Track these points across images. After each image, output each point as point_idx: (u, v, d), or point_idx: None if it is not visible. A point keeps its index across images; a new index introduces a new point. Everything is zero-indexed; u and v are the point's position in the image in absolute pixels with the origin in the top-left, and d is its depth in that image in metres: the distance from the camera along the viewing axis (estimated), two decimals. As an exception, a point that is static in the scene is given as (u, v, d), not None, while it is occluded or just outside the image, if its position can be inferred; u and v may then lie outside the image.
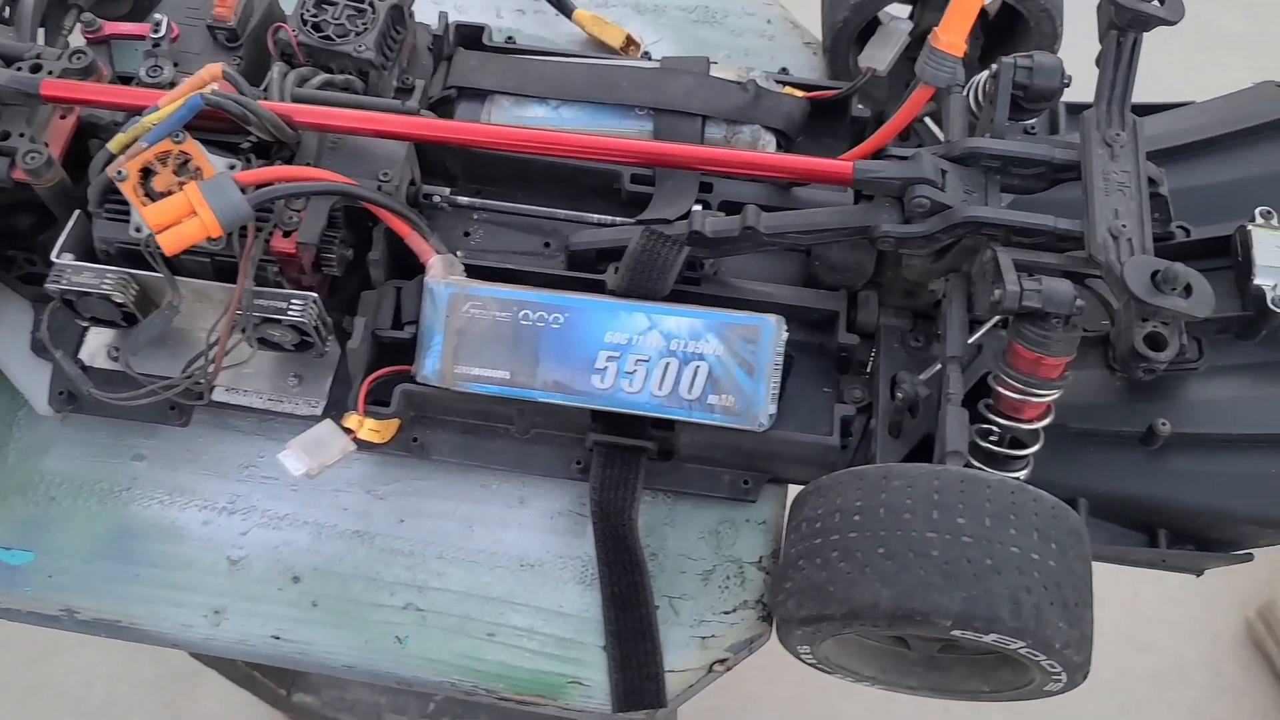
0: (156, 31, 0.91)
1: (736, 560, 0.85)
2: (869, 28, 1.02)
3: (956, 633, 0.68)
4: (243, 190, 0.78)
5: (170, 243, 0.77)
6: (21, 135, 0.87)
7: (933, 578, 0.67)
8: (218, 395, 0.89)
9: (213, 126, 0.84)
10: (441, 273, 0.85)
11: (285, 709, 1.54)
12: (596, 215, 0.92)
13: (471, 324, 0.82)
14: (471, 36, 1.00)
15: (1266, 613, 1.75)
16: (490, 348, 0.82)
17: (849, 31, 1.00)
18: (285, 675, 1.47)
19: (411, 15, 0.98)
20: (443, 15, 0.97)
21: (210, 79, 0.83)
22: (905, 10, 1.02)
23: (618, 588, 0.82)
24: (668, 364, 0.80)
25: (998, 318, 0.81)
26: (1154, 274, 0.70)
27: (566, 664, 0.82)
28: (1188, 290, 0.70)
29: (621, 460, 0.84)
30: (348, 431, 0.82)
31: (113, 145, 0.83)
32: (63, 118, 0.89)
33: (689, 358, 0.79)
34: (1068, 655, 0.68)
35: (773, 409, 0.80)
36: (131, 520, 0.88)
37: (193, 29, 0.94)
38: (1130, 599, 1.86)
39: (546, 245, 0.94)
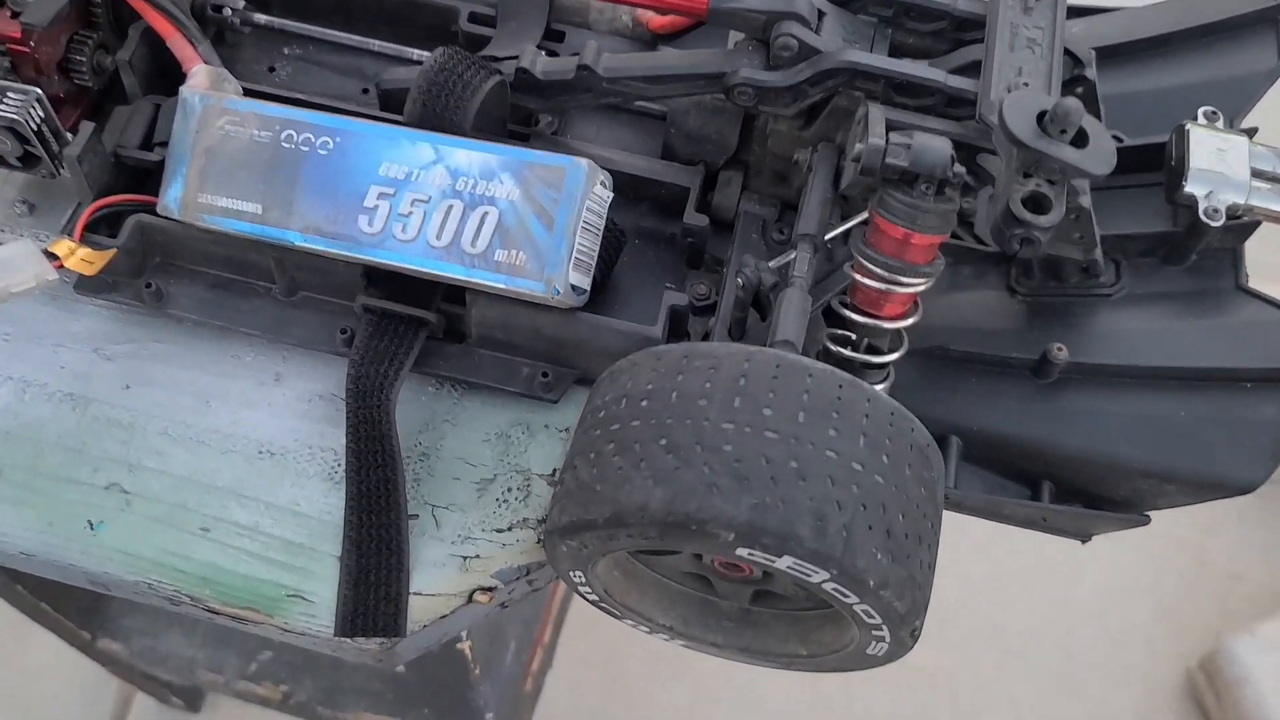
0: None
1: (524, 471, 0.68)
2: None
3: (742, 551, 0.52)
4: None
5: None
6: None
7: (719, 478, 0.51)
8: (-74, 217, 0.73)
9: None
10: (204, 84, 0.69)
11: (95, 658, 1.36)
12: (418, 51, 0.77)
13: (224, 143, 0.66)
14: None
15: (1208, 664, 1.58)
16: (242, 174, 0.66)
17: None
18: (90, 617, 1.30)
19: None
20: None
21: None
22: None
23: (366, 485, 0.65)
24: (450, 207, 0.64)
25: (861, 216, 0.65)
26: (1041, 114, 0.54)
27: (290, 573, 0.65)
28: (1081, 138, 0.54)
29: (394, 332, 0.68)
30: (52, 258, 0.66)
31: None
32: None
33: (476, 201, 0.63)
34: (886, 600, 0.52)
35: (579, 281, 0.64)
36: None
37: None
38: (1064, 636, 1.69)
39: (365, 92, 0.78)
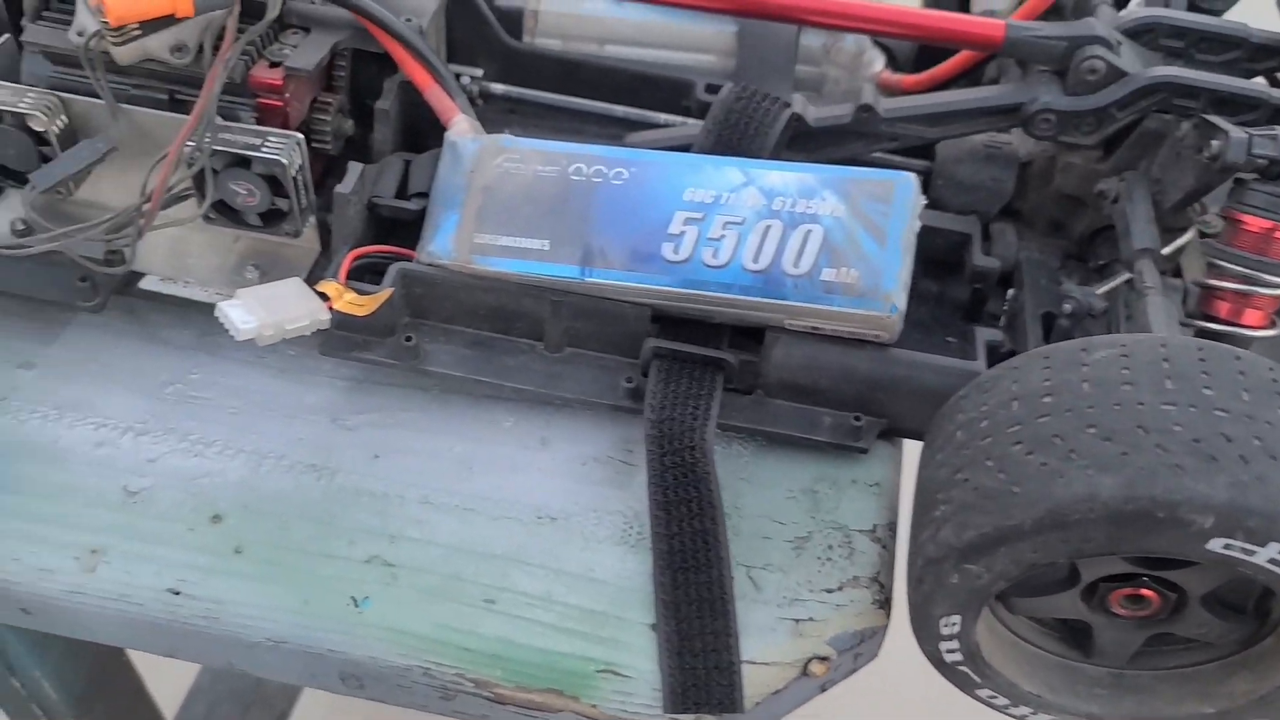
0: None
1: (841, 527, 0.61)
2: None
3: (1215, 544, 0.44)
4: (227, -30, 0.60)
5: (119, 7, 0.58)
6: (-44, -55, 0.69)
7: (1180, 458, 0.45)
8: (150, 284, 0.67)
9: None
10: (469, 132, 0.65)
11: None
12: (664, 115, 0.74)
13: (504, 181, 0.62)
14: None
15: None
16: (526, 210, 0.61)
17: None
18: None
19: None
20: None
21: None
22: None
23: (678, 540, 0.57)
24: (768, 227, 0.59)
25: (1193, 232, 0.62)
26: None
27: (597, 645, 0.56)
28: None
29: (690, 376, 0.61)
30: (322, 299, 0.60)
31: (68, -62, 0.65)
32: (12, -57, 0.72)
33: (797, 219, 0.59)
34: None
35: (904, 301, 0.59)
36: (-3, 436, 0.63)
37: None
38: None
39: (593, 163, 0.75)
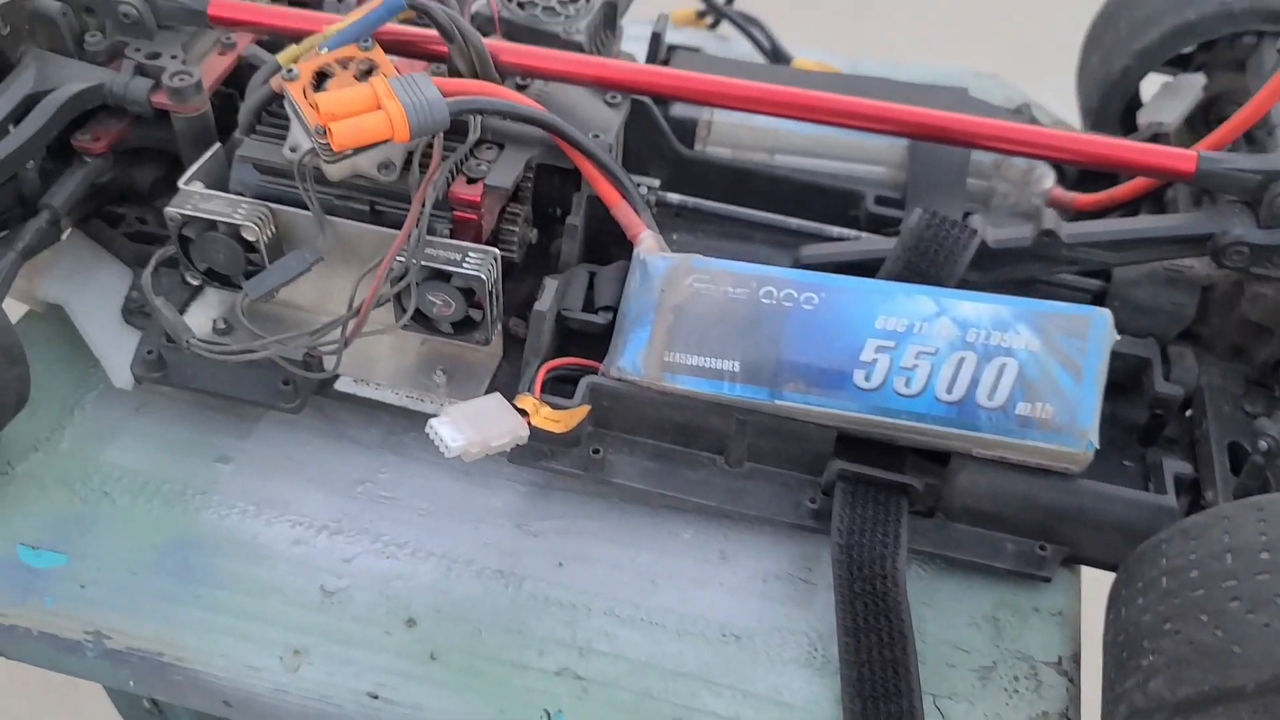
0: (345, -15, 0.79)
1: (1026, 658, 0.61)
2: (1133, 102, 0.89)
3: None
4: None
5: (344, 135, 0.61)
6: (174, 58, 0.73)
7: None
8: (344, 386, 0.70)
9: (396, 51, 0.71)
10: (655, 248, 0.67)
11: None
12: (837, 229, 0.75)
13: (694, 301, 0.64)
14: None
15: None
16: (717, 331, 0.63)
17: (1126, 87, 0.86)
18: None
19: (621, 28, 0.86)
20: (662, 17, 0.84)
21: (413, -7, 0.69)
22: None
23: (868, 668, 0.58)
24: (962, 359, 0.60)
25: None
26: None
27: (789, 771, 0.57)
28: None
29: (875, 500, 0.62)
30: (521, 414, 0.62)
31: (283, 57, 0.69)
32: (222, 54, 0.76)
33: (991, 352, 0.60)
34: None
35: (1097, 437, 0.59)
36: (201, 530, 0.66)
37: (381, -2, 0.82)
38: None
39: (764, 269, 0.76)
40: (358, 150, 0.63)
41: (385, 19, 0.67)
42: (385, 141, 0.62)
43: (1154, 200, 0.76)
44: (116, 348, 0.72)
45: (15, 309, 0.77)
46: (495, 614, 0.62)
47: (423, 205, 0.64)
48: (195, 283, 0.71)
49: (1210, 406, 0.67)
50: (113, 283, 0.75)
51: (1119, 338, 0.69)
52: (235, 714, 0.63)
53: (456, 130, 0.67)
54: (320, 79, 0.66)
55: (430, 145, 0.66)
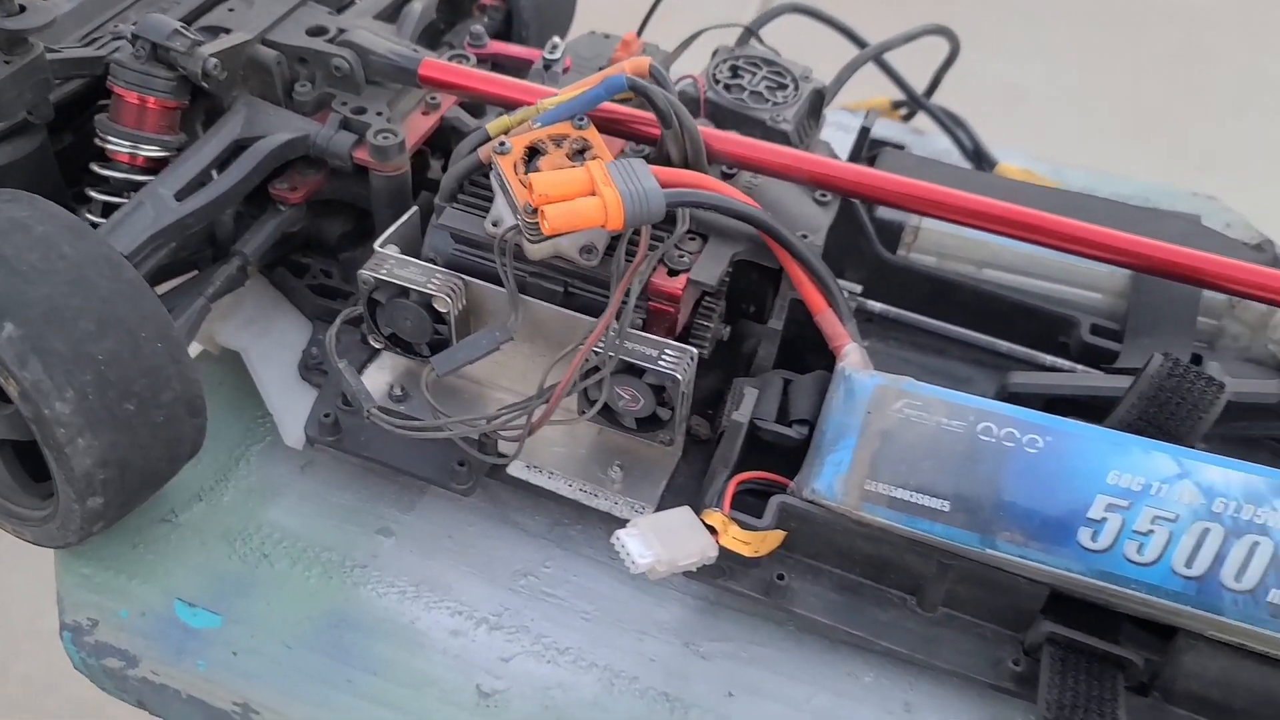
0: (551, 54, 0.78)
1: None
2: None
3: None
4: (657, 186, 0.60)
5: (557, 219, 0.58)
6: (379, 114, 0.72)
7: None
8: (516, 471, 0.67)
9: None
10: (860, 363, 0.63)
11: None
12: (1050, 357, 0.70)
13: (903, 429, 0.59)
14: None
15: None
16: (928, 465, 0.58)
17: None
18: None
19: (824, 118, 0.83)
20: (871, 113, 0.81)
21: (634, 71, 0.67)
22: None
23: None
24: (1206, 530, 0.54)
25: None
26: None
27: None
28: None
29: (1088, 672, 0.56)
30: (710, 531, 0.58)
31: (492, 128, 0.67)
32: (425, 113, 0.75)
33: (1242, 528, 0.54)
34: None
35: (1356, 636, 0.53)
36: (358, 607, 0.63)
37: (584, 69, 0.80)
38: None
39: (961, 391, 0.71)
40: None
41: (605, 98, 0.65)
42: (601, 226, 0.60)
43: None
44: (290, 403, 0.70)
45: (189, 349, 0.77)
46: (660, 741, 0.58)
47: (625, 296, 0.61)
48: (377, 346, 0.69)
49: None
50: (291, 334, 0.74)
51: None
52: (375, 811, 0.60)
53: (665, 219, 0.65)
54: (532, 155, 0.63)
55: (637, 232, 0.63)
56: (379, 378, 0.71)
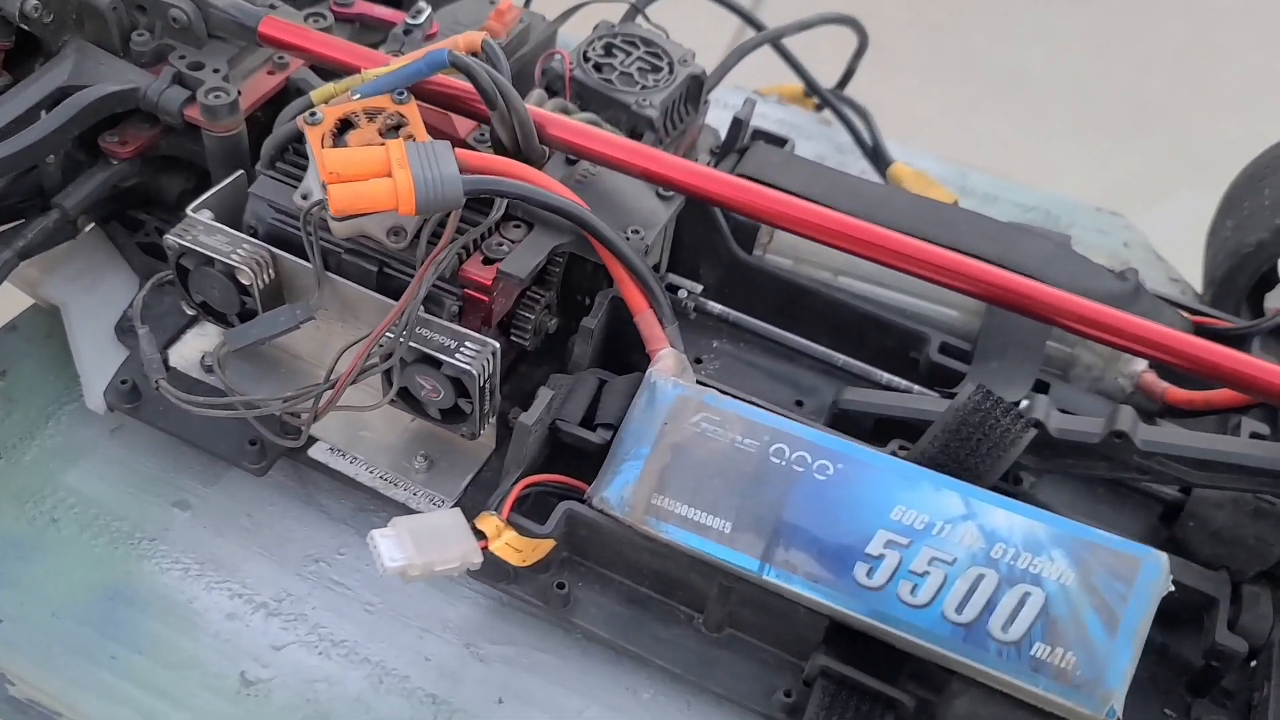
0: (415, 19, 0.74)
1: None
2: (1270, 274, 0.78)
3: None
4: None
5: (342, 199, 0.55)
6: (216, 71, 0.69)
7: None
8: (317, 453, 0.64)
9: (433, 114, 0.65)
10: (673, 370, 0.60)
11: None
12: (887, 374, 0.67)
13: (697, 443, 0.57)
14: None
15: None
16: (715, 484, 0.56)
17: (1259, 261, 0.76)
18: None
19: (707, 103, 0.79)
20: (749, 102, 0.77)
21: (466, 47, 0.64)
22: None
23: None
24: (980, 576, 0.51)
25: None
26: None
27: None
28: None
29: (855, 710, 0.54)
30: (479, 536, 0.56)
31: (316, 95, 0.64)
32: (271, 73, 0.72)
33: (1017, 576, 0.51)
34: None
35: (1122, 703, 0.50)
36: (138, 581, 0.62)
37: (452, 35, 0.77)
38: None
39: (799, 404, 0.69)
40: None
41: (425, 74, 0.62)
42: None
43: (1268, 412, 0.66)
44: (100, 365, 0.68)
45: (21, 300, 0.75)
46: (414, 746, 0.56)
47: (421, 286, 0.58)
48: (190, 313, 0.67)
49: (1277, 669, 0.57)
50: (118, 292, 0.72)
51: (1188, 565, 0.60)
52: (127, 792, 0.58)
53: (485, 201, 0.62)
54: (344, 127, 0.60)
55: (449, 216, 0.60)
56: (196, 345, 0.68)
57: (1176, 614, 0.60)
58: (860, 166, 0.90)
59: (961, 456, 0.56)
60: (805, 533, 0.54)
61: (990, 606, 0.51)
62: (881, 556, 0.53)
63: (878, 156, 0.88)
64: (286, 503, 0.66)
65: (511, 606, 0.62)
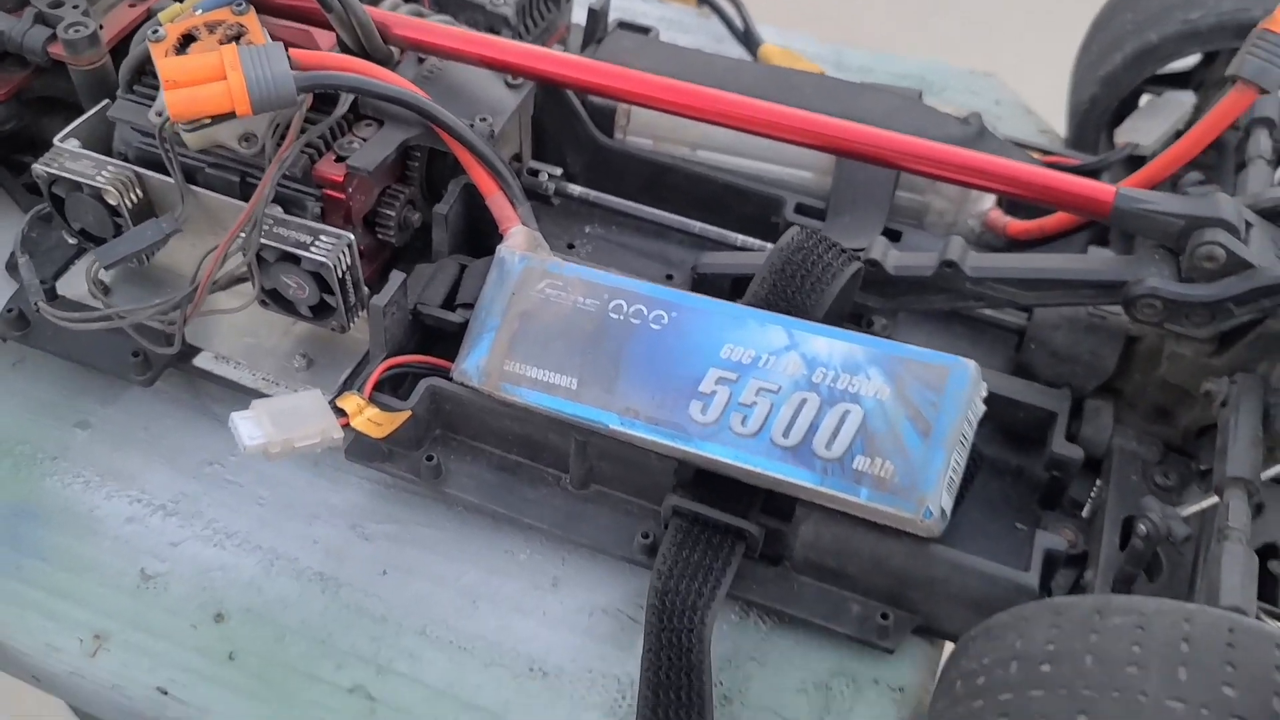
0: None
1: (850, 734, 0.55)
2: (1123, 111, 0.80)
3: None
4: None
5: (179, 104, 0.58)
6: (75, 7, 0.71)
7: None
8: (201, 361, 0.67)
9: (291, 32, 0.67)
10: (522, 245, 0.63)
11: None
12: (743, 236, 0.70)
13: (542, 308, 0.59)
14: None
15: None
16: (559, 344, 0.58)
17: (1097, 113, 0.77)
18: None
19: (570, 2, 0.81)
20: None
21: (300, -46, 0.66)
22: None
23: (662, 727, 0.53)
24: (804, 401, 0.54)
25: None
26: None
27: (559, 828, 0.53)
28: None
29: (707, 544, 0.57)
30: (339, 414, 0.59)
31: (163, 15, 0.65)
32: (132, 5, 0.74)
33: (836, 396, 0.54)
34: None
35: (946, 503, 0.53)
36: (41, 498, 0.65)
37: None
38: None
39: (669, 278, 0.71)
40: (215, 120, 0.61)
41: (256, -18, 0.64)
42: (231, 113, 0.59)
43: (1101, 233, 0.68)
44: (-9, 300, 0.71)
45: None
46: (304, 619, 0.60)
47: (268, 186, 0.60)
48: (72, 241, 0.69)
49: (1116, 474, 0.60)
50: (8, 234, 0.74)
51: (1033, 385, 0.63)
52: (45, 688, 0.62)
53: (332, 101, 0.64)
54: (186, 42, 0.63)
55: (309, 121, 0.62)
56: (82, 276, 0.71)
57: (1026, 435, 0.63)
58: (737, 54, 0.91)
59: (790, 295, 0.58)
60: (644, 380, 0.56)
61: (814, 428, 0.54)
62: (713, 393, 0.55)
63: (749, 40, 0.90)
64: (181, 414, 0.69)
65: (394, 489, 0.65)
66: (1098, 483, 0.61)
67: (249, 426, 0.56)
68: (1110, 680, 0.41)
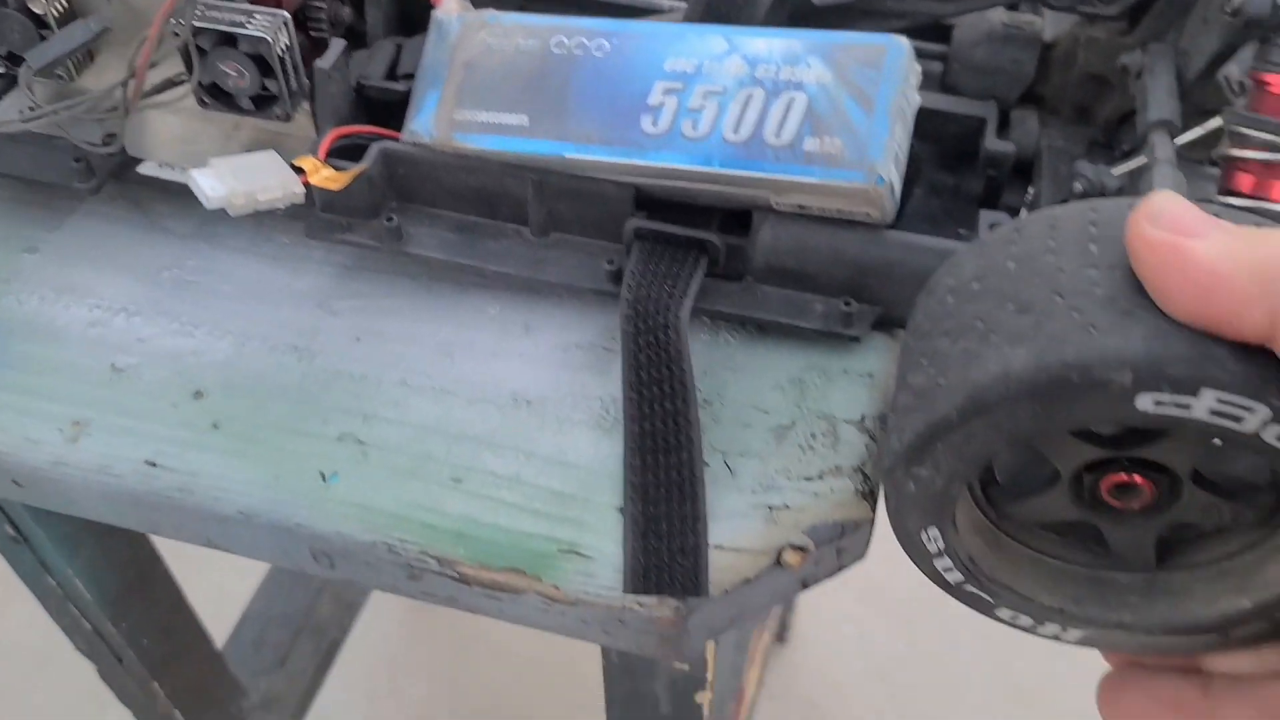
0: None
1: (827, 416, 0.58)
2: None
3: (1145, 401, 0.40)
4: None
5: (97, -123, 0.57)
6: None
7: (1095, 316, 0.40)
8: (146, 169, 0.67)
9: None
10: (455, 9, 0.64)
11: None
12: (668, 1, 0.71)
13: (486, 56, 0.60)
14: None
15: None
16: (507, 85, 0.60)
17: None
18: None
19: None
20: None
21: None
22: None
23: (649, 422, 0.55)
24: (749, 96, 0.56)
25: (1215, 122, 0.57)
26: None
27: (561, 525, 0.54)
28: None
29: (671, 257, 0.59)
30: (298, 173, 0.59)
31: None
32: None
33: (780, 87, 0.56)
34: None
35: (894, 180, 0.55)
36: (-2, 317, 0.64)
37: None
38: None
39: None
40: (131, -92, 0.60)
41: None
42: (153, -107, 0.59)
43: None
44: (-78, 141, 0.69)
45: None
46: (283, 386, 0.60)
47: (197, -39, 0.60)
48: (2, 71, 0.69)
49: (1047, 169, 0.63)
50: (-72, 81, 0.73)
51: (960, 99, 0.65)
52: (28, 494, 0.61)
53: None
54: None
55: (216, -95, 0.62)
56: (17, 102, 0.70)
57: (961, 152, 0.66)
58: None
59: (723, 12, 0.60)
60: (594, 105, 0.58)
61: (762, 120, 0.56)
62: (661, 105, 0.57)
63: None
64: (132, 231, 0.69)
65: (358, 269, 0.66)
66: (1031, 188, 0.65)
67: (210, 181, 0.56)
68: (1031, 270, 0.43)
